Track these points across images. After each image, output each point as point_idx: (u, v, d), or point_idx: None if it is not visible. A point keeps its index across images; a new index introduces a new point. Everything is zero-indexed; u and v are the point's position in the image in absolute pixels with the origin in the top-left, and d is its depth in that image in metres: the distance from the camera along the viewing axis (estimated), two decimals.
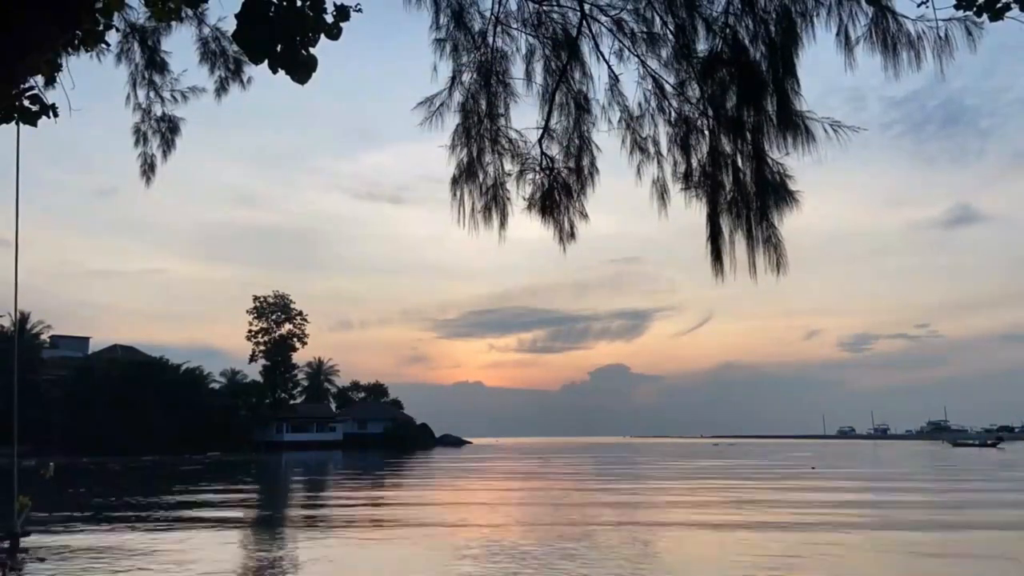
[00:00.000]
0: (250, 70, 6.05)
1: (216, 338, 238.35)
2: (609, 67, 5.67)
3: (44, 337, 72.81)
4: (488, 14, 5.72)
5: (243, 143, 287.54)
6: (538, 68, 5.84)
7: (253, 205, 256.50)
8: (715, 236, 5.32)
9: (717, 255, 5.30)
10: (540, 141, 5.93)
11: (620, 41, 5.57)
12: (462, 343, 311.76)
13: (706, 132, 5.41)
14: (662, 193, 5.67)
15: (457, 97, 5.85)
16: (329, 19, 3.57)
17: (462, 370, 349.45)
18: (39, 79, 4.55)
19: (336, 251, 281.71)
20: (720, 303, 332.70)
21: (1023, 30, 4.09)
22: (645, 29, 5.46)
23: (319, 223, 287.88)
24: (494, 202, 5.95)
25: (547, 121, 5.88)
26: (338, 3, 3.61)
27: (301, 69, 3.42)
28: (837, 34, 4.71)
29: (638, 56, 5.53)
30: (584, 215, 5.92)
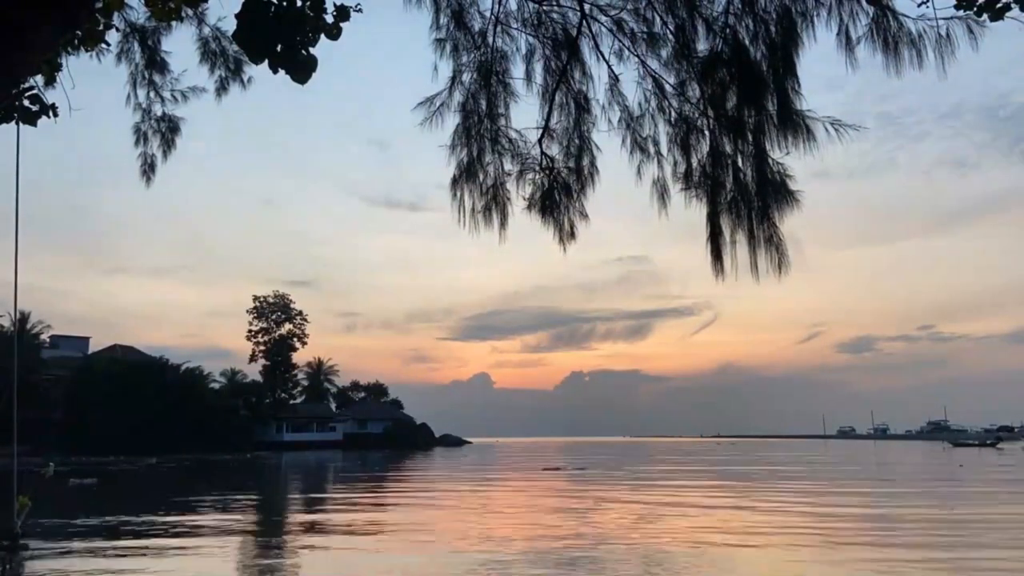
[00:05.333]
0: (250, 70, 6.05)
1: (224, 339, 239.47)
2: (609, 67, 5.68)
3: (44, 337, 72.86)
4: (488, 14, 5.73)
5: (258, 144, 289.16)
6: (538, 68, 5.84)
7: (267, 207, 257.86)
8: (715, 236, 5.32)
9: (717, 255, 5.30)
10: (540, 141, 5.93)
11: (620, 41, 5.57)
12: (464, 344, 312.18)
13: (706, 132, 5.41)
14: (662, 193, 5.67)
15: (457, 97, 5.85)
16: (329, 19, 3.58)
17: (463, 370, 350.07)
18: (39, 79, 4.55)
19: (345, 254, 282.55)
20: (722, 304, 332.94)
21: (1023, 30, 4.10)
22: (645, 29, 5.46)
23: (331, 227, 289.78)
24: (494, 202, 5.95)
25: (547, 121, 5.88)
26: (338, 3, 3.61)
27: (301, 69, 3.42)
28: (838, 34, 4.71)
29: (638, 56, 5.54)
30: (584, 215, 5.92)
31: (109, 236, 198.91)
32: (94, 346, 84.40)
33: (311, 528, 18.59)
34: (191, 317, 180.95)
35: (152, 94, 6.24)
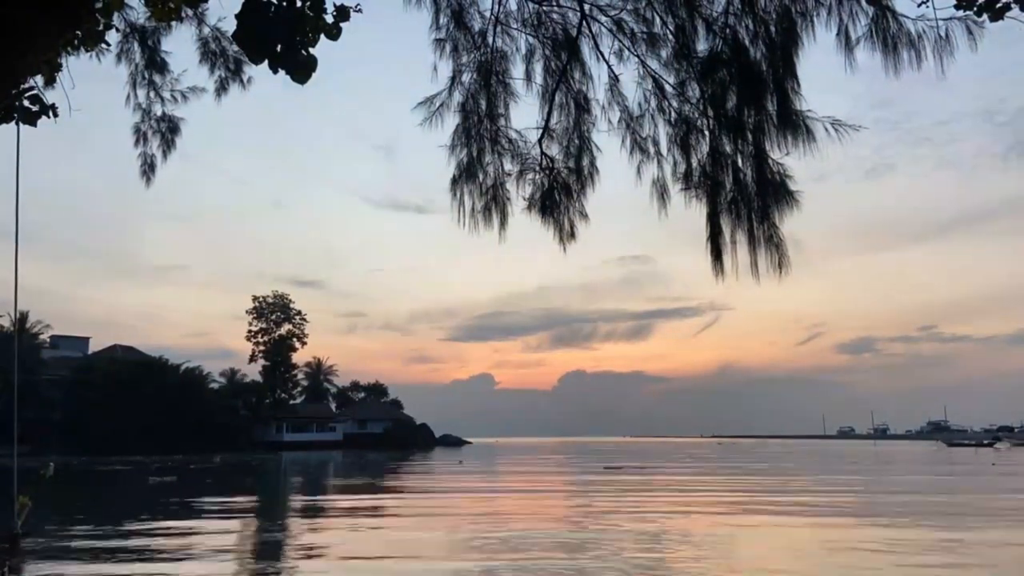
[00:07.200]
0: (250, 70, 6.05)
1: (230, 339, 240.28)
2: (609, 67, 5.67)
3: (44, 337, 72.85)
4: (488, 14, 5.73)
5: (265, 146, 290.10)
6: (538, 68, 5.84)
7: (274, 208, 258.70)
8: (715, 236, 5.32)
9: (717, 255, 5.30)
10: (540, 141, 5.92)
11: (620, 41, 5.57)
12: (466, 345, 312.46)
13: (706, 132, 5.41)
14: (662, 193, 5.66)
15: (457, 97, 5.85)
16: (329, 19, 3.57)
17: (464, 370, 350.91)
18: (39, 79, 4.54)
19: (351, 255, 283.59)
20: (724, 305, 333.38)
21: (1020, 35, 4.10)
22: (645, 29, 5.46)
23: (338, 228, 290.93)
24: (494, 202, 5.95)
25: (547, 121, 5.87)
26: (338, 3, 3.61)
27: (301, 69, 3.42)
28: (837, 34, 4.71)
29: (638, 56, 5.53)
30: (584, 215, 5.92)
31: (112, 236, 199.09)
32: (94, 346, 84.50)
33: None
34: (196, 318, 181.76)
35: (152, 94, 6.24)
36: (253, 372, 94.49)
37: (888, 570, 12.27)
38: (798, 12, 4.85)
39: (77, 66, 4.83)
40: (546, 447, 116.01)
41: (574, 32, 5.64)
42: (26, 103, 4.35)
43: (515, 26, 5.78)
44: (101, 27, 4.71)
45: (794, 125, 4.89)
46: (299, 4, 3.44)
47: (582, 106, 5.85)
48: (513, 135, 5.97)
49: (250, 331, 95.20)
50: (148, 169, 6.30)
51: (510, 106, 5.93)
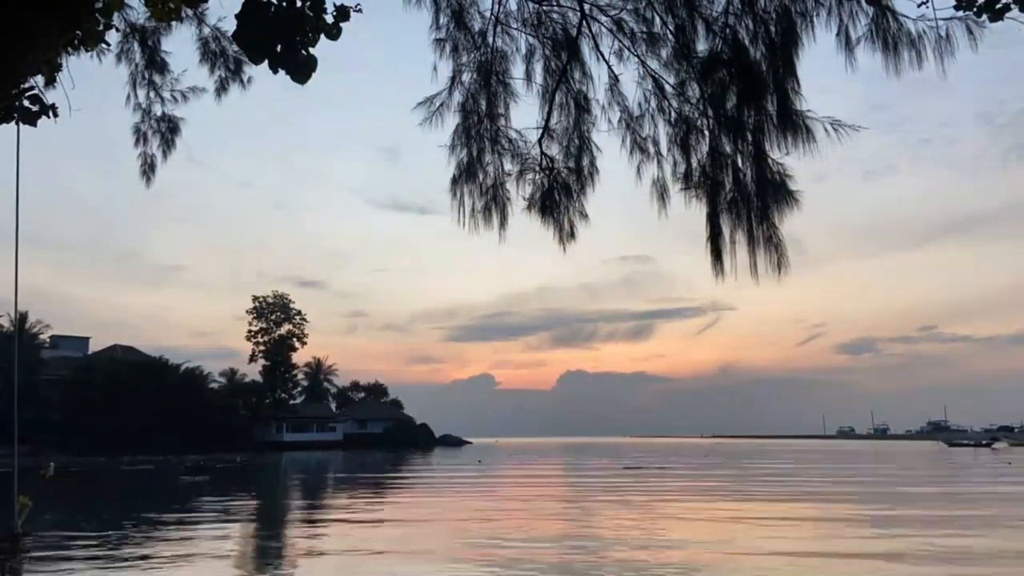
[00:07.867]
0: (250, 70, 6.05)
1: (234, 340, 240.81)
2: (609, 67, 5.67)
3: (44, 337, 72.74)
4: (488, 14, 5.73)
5: (268, 147, 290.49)
6: (538, 68, 5.84)
7: (277, 209, 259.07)
8: (715, 236, 5.31)
9: (717, 255, 5.29)
10: (540, 141, 5.92)
11: (620, 41, 5.56)
12: (466, 345, 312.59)
13: (706, 132, 5.41)
14: (662, 193, 5.66)
15: (457, 97, 5.85)
16: (329, 19, 3.57)
17: (464, 371, 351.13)
18: (39, 79, 4.54)
19: (353, 256, 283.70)
20: (725, 305, 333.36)
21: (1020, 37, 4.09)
22: (645, 29, 5.46)
23: (340, 229, 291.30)
24: (494, 202, 5.95)
25: (547, 121, 5.87)
26: (338, 3, 3.61)
27: (301, 69, 3.42)
28: (837, 34, 4.70)
29: (638, 56, 5.53)
30: (584, 215, 5.91)
31: (112, 236, 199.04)
32: (94, 346, 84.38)
33: None
34: (196, 318, 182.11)
35: (152, 94, 6.24)
36: (253, 372, 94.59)
37: None
38: (798, 12, 4.85)
39: (77, 66, 4.83)
40: (549, 447, 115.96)
41: (574, 32, 5.64)
42: (26, 103, 4.34)
43: (515, 26, 5.78)
44: (101, 27, 4.70)
45: (794, 125, 4.89)
46: (299, 4, 3.44)
47: (582, 106, 5.84)
48: (513, 135, 5.97)
49: (250, 331, 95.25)
50: (148, 169, 6.30)
51: (510, 106, 5.94)
